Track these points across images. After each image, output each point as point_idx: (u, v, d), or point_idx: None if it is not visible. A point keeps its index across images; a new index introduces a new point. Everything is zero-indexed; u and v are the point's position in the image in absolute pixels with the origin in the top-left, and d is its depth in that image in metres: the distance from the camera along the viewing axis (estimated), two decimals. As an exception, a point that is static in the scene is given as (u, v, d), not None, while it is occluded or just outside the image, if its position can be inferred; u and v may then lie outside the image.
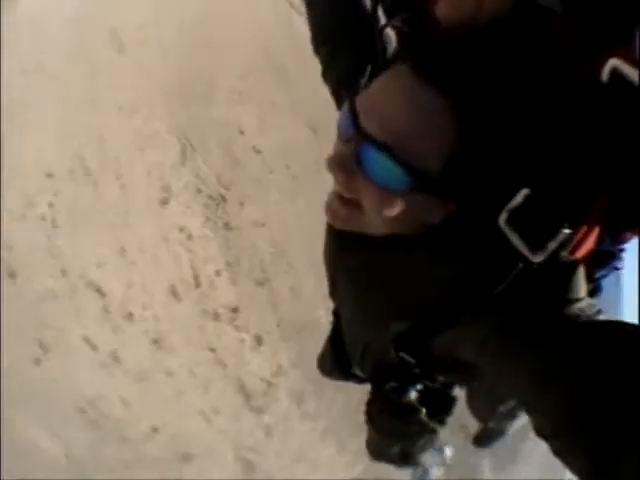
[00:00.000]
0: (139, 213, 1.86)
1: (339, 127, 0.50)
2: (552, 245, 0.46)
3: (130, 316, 1.79)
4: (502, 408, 1.31)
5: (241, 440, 1.74)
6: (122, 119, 1.93)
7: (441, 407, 0.87)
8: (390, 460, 1.13)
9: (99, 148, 1.89)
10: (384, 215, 0.49)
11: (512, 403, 1.30)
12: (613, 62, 0.41)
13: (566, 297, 0.48)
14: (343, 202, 0.51)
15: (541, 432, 0.47)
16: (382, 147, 0.44)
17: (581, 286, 0.51)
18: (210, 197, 1.91)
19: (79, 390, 1.69)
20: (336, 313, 0.93)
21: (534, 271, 0.47)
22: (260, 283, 1.87)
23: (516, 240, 0.47)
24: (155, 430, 1.68)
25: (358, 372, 0.89)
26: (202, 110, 1.96)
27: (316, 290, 1.62)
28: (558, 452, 0.44)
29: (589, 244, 0.55)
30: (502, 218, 0.47)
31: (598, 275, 0.68)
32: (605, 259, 0.66)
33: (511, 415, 1.40)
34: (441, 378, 0.73)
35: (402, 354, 0.67)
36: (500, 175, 0.46)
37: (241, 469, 1.72)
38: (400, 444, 1.01)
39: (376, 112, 0.45)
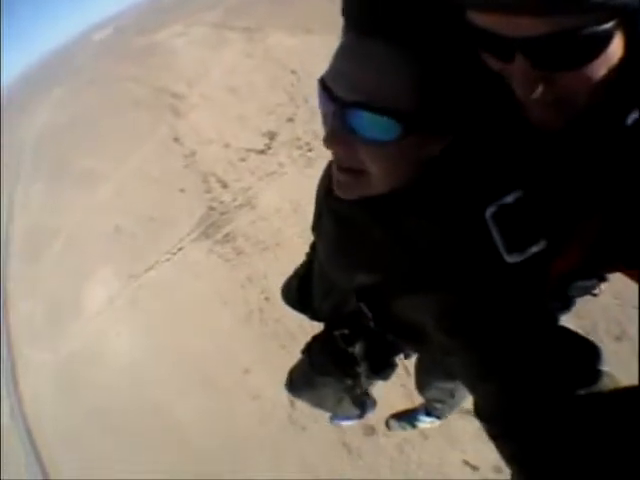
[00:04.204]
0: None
1: (322, 112, 0.52)
2: (530, 251, 0.47)
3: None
4: (437, 383, 1.37)
5: None
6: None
7: (380, 369, 0.89)
8: (306, 398, 1.17)
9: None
10: (390, 170, 0.51)
11: (449, 385, 1.36)
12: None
13: (526, 297, 0.49)
14: (345, 171, 0.53)
15: (478, 414, 0.50)
16: (363, 105, 0.46)
17: (542, 291, 0.51)
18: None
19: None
20: (313, 247, 0.94)
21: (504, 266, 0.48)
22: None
23: (496, 236, 0.47)
24: None
25: (316, 309, 0.91)
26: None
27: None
28: (492, 436, 0.47)
29: (568, 262, 0.55)
30: (489, 211, 0.48)
31: (572, 292, 0.69)
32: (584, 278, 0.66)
33: (448, 395, 1.46)
34: (391, 338, 0.75)
35: (362, 305, 0.68)
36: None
37: None
38: (326, 388, 1.04)
39: (345, 79, 0.48)
